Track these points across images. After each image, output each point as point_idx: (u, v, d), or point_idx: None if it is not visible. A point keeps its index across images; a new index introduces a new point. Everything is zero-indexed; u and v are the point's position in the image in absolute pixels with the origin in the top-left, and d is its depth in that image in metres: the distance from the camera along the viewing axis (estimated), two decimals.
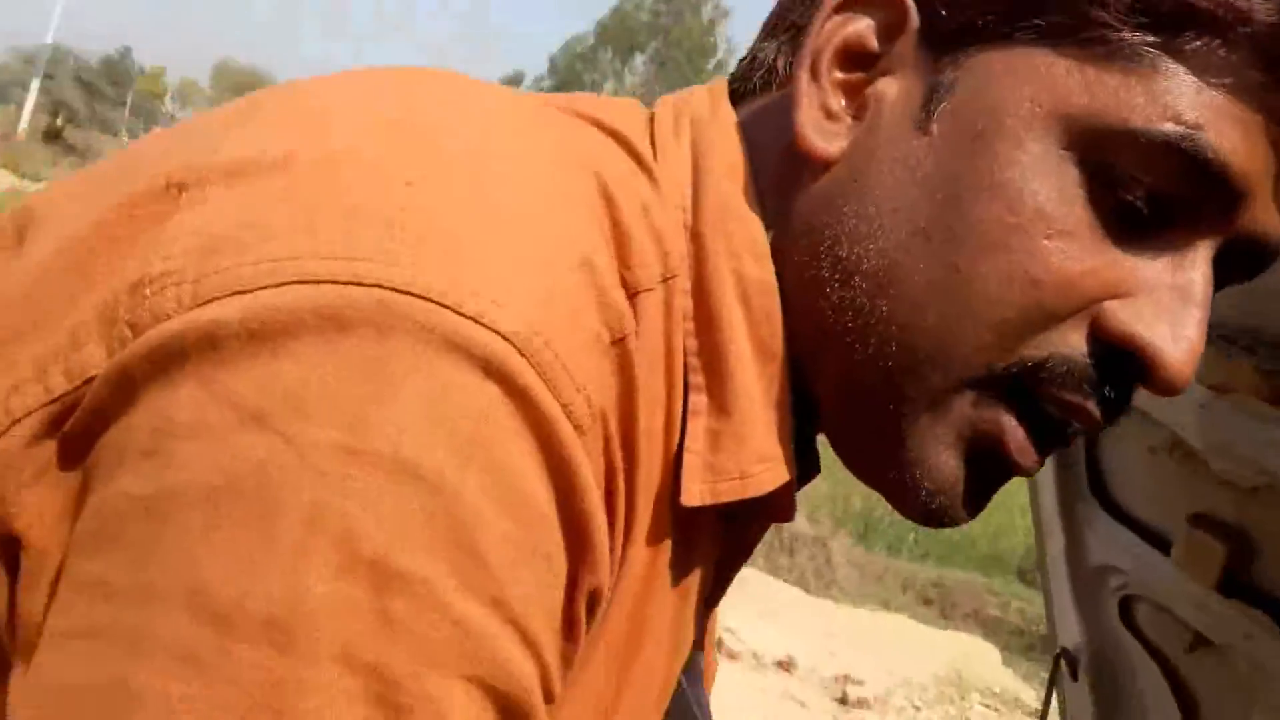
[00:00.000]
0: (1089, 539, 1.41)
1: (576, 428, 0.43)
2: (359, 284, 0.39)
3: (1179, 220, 0.51)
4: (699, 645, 0.74)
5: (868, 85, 0.56)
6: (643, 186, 0.53)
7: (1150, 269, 0.52)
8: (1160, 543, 1.32)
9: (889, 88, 0.55)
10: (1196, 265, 0.52)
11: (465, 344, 0.40)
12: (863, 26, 0.55)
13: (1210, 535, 1.23)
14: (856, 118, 0.56)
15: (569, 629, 0.46)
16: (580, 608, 0.46)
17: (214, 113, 0.54)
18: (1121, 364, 0.51)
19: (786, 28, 0.59)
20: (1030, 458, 0.54)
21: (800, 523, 8.33)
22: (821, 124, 0.55)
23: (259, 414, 0.38)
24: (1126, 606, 1.42)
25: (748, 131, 0.58)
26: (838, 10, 0.55)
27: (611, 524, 0.47)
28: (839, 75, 0.56)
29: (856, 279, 0.53)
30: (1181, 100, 0.49)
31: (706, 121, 0.57)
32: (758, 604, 6.80)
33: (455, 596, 0.39)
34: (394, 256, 0.40)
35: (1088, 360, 0.52)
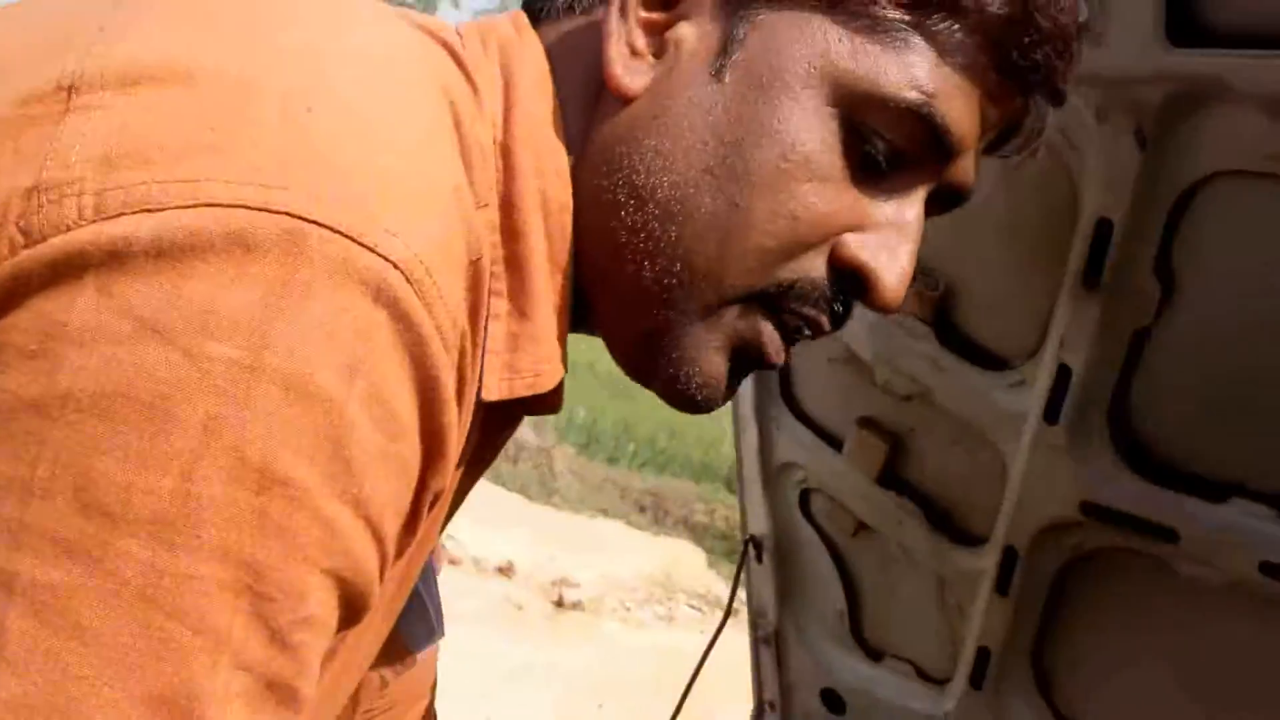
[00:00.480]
0: (777, 437, 1.59)
1: (445, 348, 0.47)
2: (268, 210, 0.42)
3: (906, 169, 0.62)
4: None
5: (669, 27, 0.62)
6: (471, 100, 0.57)
7: (879, 208, 0.61)
8: (835, 442, 1.51)
9: (688, 32, 0.61)
10: (914, 206, 0.62)
11: (360, 272, 0.43)
12: None
13: (874, 435, 1.43)
14: (657, 56, 0.62)
15: (412, 524, 0.51)
16: (424, 506, 0.51)
17: None
18: (849, 284, 0.62)
19: None
20: (783, 356, 0.64)
21: (525, 432, 8.47)
22: (628, 61, 0.61)
23: (160, 328, 0.40)
24: (805, 497, 1.62)
25: (553, 55, 0.63)
26: None
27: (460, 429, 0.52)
28: (643, 14, 0.62)
29: (650, 206, 0.60)
30: (923, 72, 0.59)
31: (514, 44, 0.63)
32: (480, 511, 6.92)
33: (325, 500, 0.43)
34: (299, 184, 0.43)
35: (826, 282, 0.61)
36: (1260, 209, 0.95)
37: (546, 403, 0.62)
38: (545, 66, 0.62)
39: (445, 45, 0.58)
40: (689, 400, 0.64)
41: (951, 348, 1.28)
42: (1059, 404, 1.15)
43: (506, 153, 0.59)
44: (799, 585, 1.70)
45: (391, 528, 0.48)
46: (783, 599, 1.71)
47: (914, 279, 1.25)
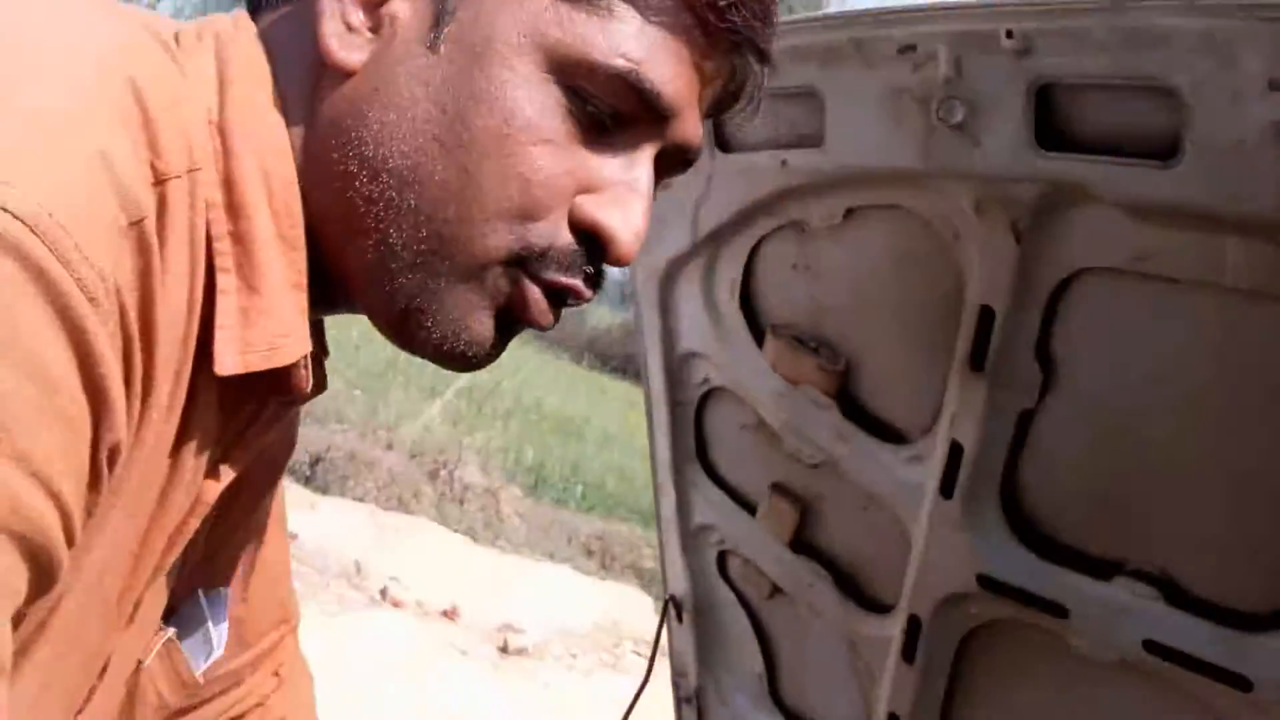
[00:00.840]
0: (694, 499, 1.63)
1: (91, 300, 0.47)
2: None
3: (628, 129, 0.65)
4: (256, 531, 0.83)
5: (383, 3, 0.64)
6: (175, 82, 0.58)
7: (610, 168, 0.64)
8: (749, 506, 1.55)
9: (401, 7, 0.63)
10: (642, 165, 0.65)
11: None
12: None
13: (785, 501, 1.47)
14: (374, 32, 0.63)
15: (93, 481, 0.52)
16: (102, 462, 0.51)
17: None
18: (589, 245, 0.66)
19: None
20: (548, 318, 0.67)
21: (471, 473, 8.44)
22: (344, 36, 0.63)
23: None
24: (722, 559, 1.65)
25: (271, 40, 0.65)
26: None
27: (129, 389, 0.52)
28: None
29: (384, 176, 0.62)
30: (629, 40, 0.62)
31: (229, 33, 0.65)
32: (425, 554, 6.88)
33: None
34: None
35: (574, 246, 0.64)
36: (1128, 304, 1.00)
37: (293, 385, 0.64)
38: (259, 52, 0.64)
39: (156, 37, 0.59)
40: (461, 361, 0.66)
41: (854, 420, 1.33)
42: (953, 479, 1.19)
43: (224, 134, 0.60)
44: (719, 645, 1.73)
45: (67, 484, 0.49)
46: (703, 659, 1.74)
47: (818, 352, 1.30)
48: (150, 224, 0.52)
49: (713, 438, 1.58)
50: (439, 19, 0.63)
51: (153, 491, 0.61)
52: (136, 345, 0.53)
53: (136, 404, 0.54)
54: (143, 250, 0.52)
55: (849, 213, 1.17)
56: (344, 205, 0.63)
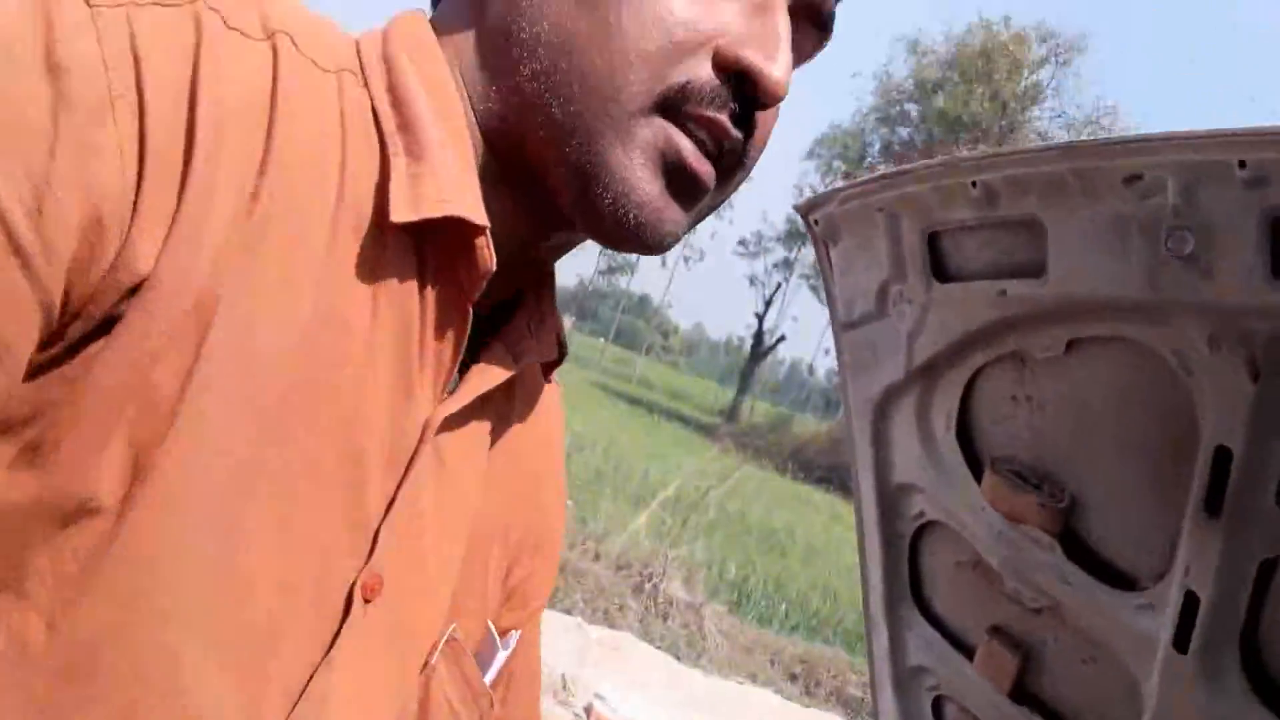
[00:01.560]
0: (908, 638, 1.56)
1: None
2: None
3: None
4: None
5: None
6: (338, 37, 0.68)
7: (745, 17, 0.67)
8: (966, 649, 1.48)
9: None
10: (777, 10, 0.67)
11: None
12: None
13: (1005, 647, 1.39)
14: None
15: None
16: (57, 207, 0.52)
17: None
18: (739, 84, 0.66)
19: None
20: (705, 166, 0.67)
21: (676, 587, 8.41)
22: None
23: None
24: (938, 706, 1.57)
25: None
26: None
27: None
28: None
29: (540, 50, 0.66)
30: None
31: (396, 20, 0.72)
32: (630, 671, 6.86)
33: None
34: None
35: (716, 81, 0.66)
36: None
37: (479, 261, 0.66)
38: (420, 19, 0.72)
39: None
40: (637, 231, 0.67)
41: (1079, 562, 1.25)
42: (1188, 632, 1.11)
43: (388, 59, 0.68)
44: None
45: (44, 266, 0.52)
46: None
47: (1039, 488, 1.24)
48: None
49: (928, 574, 1.52)
50: None
51: (347, 367, 0.63)
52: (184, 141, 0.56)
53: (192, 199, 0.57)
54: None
55: (1071, 344, 1.12)
56: (518, 95, 0.68)
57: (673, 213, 0.68)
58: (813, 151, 34.64)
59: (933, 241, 1.18)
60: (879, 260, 1.23)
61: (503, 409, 0.78)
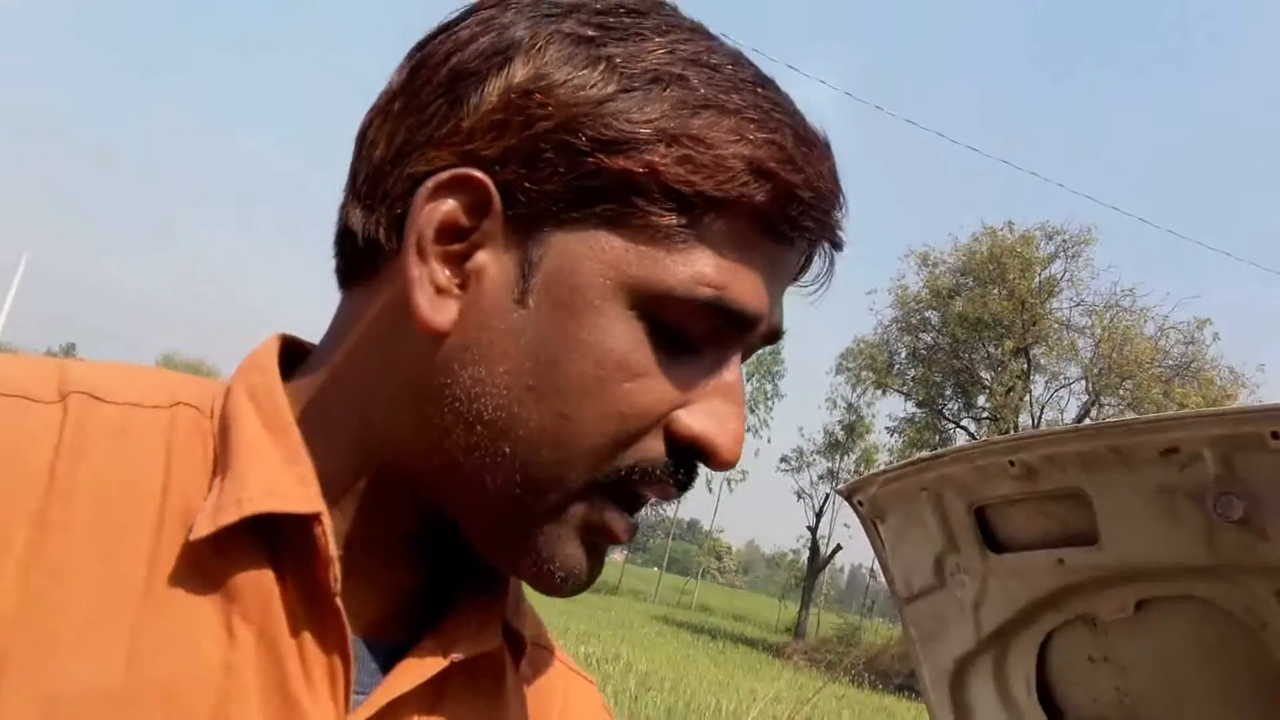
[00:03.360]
0: None
1: None
2: None
3: (716, 344, 0.66)
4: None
5: (467, 259, 0.66)
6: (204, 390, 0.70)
7: (701, 381, 0.65)
8: None
9: (487, 262, 0.66)
10: (732, 370, 0.67)
11: None
12: (454, 206, 0.66)
13: None
14: (462, 288, 0.66)
15: None
16: None
17: None
18: (688, 454, 0.65)
19: (380, 197, 0.69)
20: (630, 534, 0.67)
21: None
22: (434, 300, 0.65)
23: None
24: None
25: (354, 310, 0.71)
26: (433, 195, 0.66)
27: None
28: (439, 249, 0.66)
29: (479, 428, 0.64)
30: (708, 267, 0.63)
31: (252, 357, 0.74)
32: None
33: None
34: None
35: (665, 459, 0.64)
36: None
37: (309, 540, 0.62)
38: (266, 346, 0.72)
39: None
40: (558, 587, 0.66)
41: None
42: None
43: (228, 392, 0.69)
44: None
45: None
46: None
47: None
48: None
49: None
50: (525, 271, 0.65)
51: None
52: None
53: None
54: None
55: (1140, 604, 1.12)
56: (443, 456, 0.65)
57: (593, 571, 0.68)
58: (840, 366, 34.98)
59: (980, 515, 1.19)
60: (930, 535, 1.25)
61: (472, 711, 0.71)
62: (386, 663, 0.68)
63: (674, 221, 0.63)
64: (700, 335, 0.65)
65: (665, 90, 0.65)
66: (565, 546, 0.65)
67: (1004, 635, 1.28)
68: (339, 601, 0.63)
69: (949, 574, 1.27)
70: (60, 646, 0.57)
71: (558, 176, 0.65)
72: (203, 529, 0.61)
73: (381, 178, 0.69)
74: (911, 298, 29.23)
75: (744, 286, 0.65)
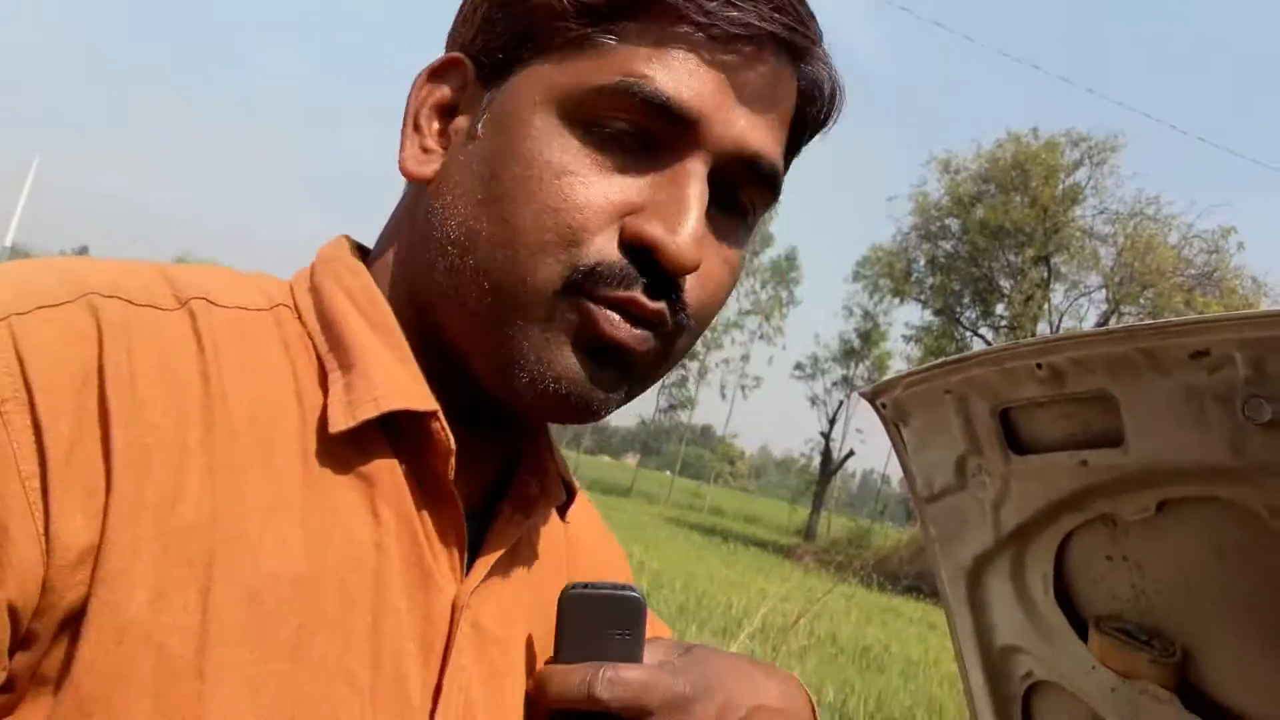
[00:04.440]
0: None
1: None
2: None
3: (665, 149, 0.69)
4: None
5: (451, 121, 0.74)
6: (270, 283, 0.74)
7: (652, 188, 0.68)
8: None
9: (464, 123, 0.73)
10: (686, 180, 0.68)
11: None
12: (445, 88, 0.75)
13: None
14: (445, 148, 0.74)
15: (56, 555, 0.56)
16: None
17: None
18: (646, 260, 0.68)
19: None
20: (627, 331, 0.68)
21: None
22: (419, 157, 0.74)
23: None
24: None
25: (406, 205, 0.77)
26: (427, 80, 0.75)
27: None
28: (436, 125, 0.75)
29: (450, 248, 0.70)
30: (629, 61, 0.68)
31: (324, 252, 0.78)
32: None
33: None
34: None
35: (622, 259, 0.67)
36: None
37: (435, 443, 0.68)
38: (338, 242, 0.78)
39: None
40: (563, 403, 0.69)
41: (1199, 713, 1.24)
42: None
43: (314, 290, 0.73)
44: None
45: None
46: None
47: (1150, 645, 1.23)
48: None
49: None
50: (480, 114, 0.72)
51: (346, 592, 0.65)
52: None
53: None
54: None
55: (1162, 505, 1.13)
56: (436, 289, 0.72)
57: (601, 383, 0.69)
58: (857, 273, 34.78)
59: (1005, 417, 1.20)
60: (953, 437, 1.26)
61: (532, 562, 0.80)
62: (476, 530, 0.74)
63: (590, 31, 0.68)
64: (639, 137, 0.69)
65: None
66: (558, 354, 0.69)
67: (1023, 535, 1.29)
68: (453, 487, 0.70)
69: (970, 475, 1.29)
70: (251, 541, 0.62)
71: (503, 34, 0.72)
72: (341, 423, 0.67)
73: None
74: (932, 205, 28.92)
75: (669, 77, 0.68)
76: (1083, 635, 1.33)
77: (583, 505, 0.94)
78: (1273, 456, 0.97)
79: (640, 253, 0.68)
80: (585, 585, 0.74)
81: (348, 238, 0.79)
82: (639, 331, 0.69)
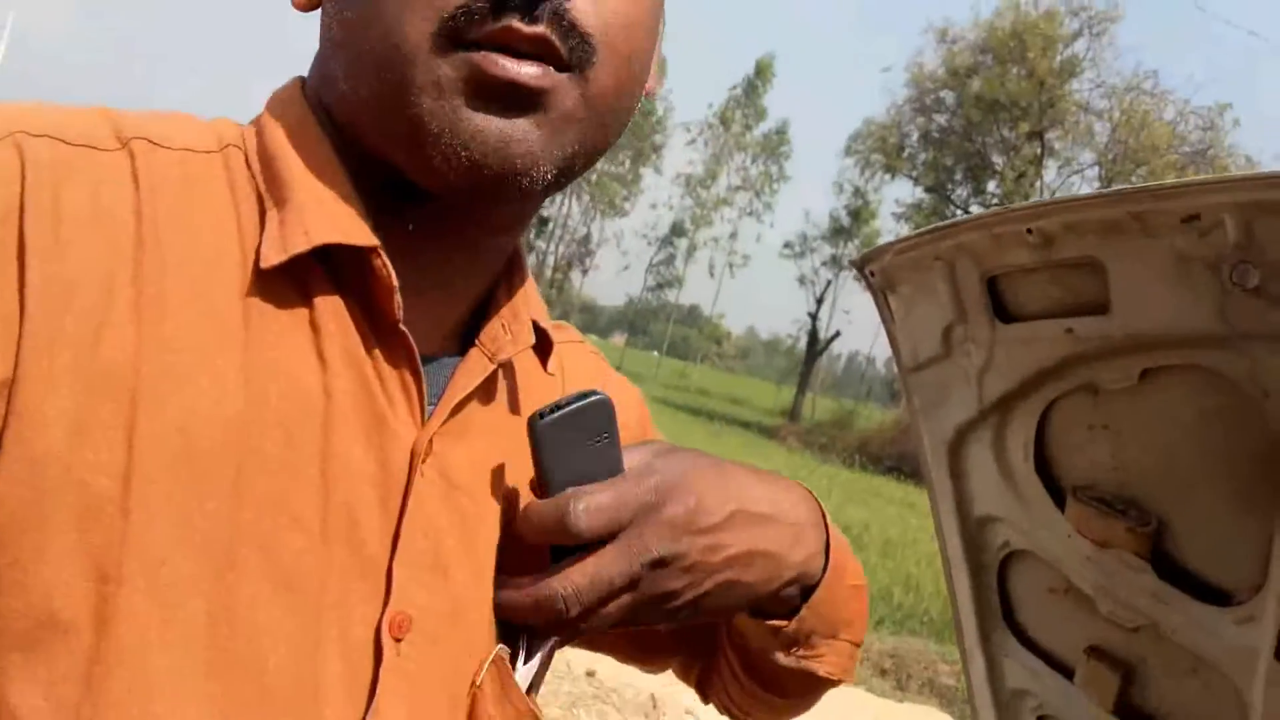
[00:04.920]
0: (1006, 665, 1.57)
1: None
2: None
3: None
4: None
5: None
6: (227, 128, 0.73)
7: None
8: (1065, 670, 1.48)
9: None
10: None
11: None
12: None
13: (1104, 665, 1.40)
14: None
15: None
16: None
17: None
18: None
19: None
20: (514, 66, 0.65)
21: None
22: None
23: None
24: None
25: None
26: None
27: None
28: None
29: (337, 51, 0.70)
30: None
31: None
32: None
33: None
34: None
35: None
36: None
37: (377, 278, 0.67)
38: (290, 83, 0.77)
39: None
40: (482, 168, 0.66)
41: (1172, 581, 1.26)
42: None
43: (259, 126, 0.72)
44: None
45: None
46: None
47: (1125, 514, 1.24)
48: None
49: (1019, 601, 1.52)
50: None
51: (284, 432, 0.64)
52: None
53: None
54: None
55: (1145, 374, 1.13)
56: (346, 104, 0.71)
57: (514, 131, 0.66)
58: (849, 148, 34.34)
59: (992, 285, 1.19)
60: (940, 305, 1.25)
61: (509, 410, 0.78)
62: (441, 378, 0.73)
63: None
64: None
65: None
66: (458, 116, 0.65)
67: (1006, 404, 1.29)
68: (404, 327, 0.68)
69: (956, 344, 1.28)
70: (182, 379, 0.60)
71: None
72: (273, 258, 0.65)
73: None
74: (928, 77, 28.45)
75: None
76: (1060, 505, 1.34)
77: (583, 355, 0.93)
78: (1257, 324, 0.96)
79: None
80: (549, 408, 0.72)
81: (302, 78, 0.77)
82: (529, 67, 0.65)
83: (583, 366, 0.94)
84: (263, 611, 0.60)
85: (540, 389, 0.83)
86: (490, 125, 0.65)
